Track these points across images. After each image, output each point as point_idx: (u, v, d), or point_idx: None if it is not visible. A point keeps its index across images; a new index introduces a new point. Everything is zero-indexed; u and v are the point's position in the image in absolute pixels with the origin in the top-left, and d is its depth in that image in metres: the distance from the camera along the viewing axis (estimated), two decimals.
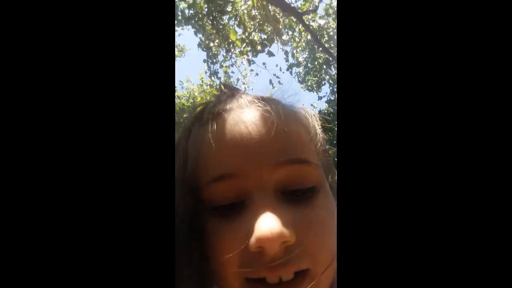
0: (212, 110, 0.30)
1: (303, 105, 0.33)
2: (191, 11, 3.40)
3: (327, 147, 0.32)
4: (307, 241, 0.24)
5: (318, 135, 0.30)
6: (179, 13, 3.42)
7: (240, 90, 0.35)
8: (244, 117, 0.27)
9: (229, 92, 0.33)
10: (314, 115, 0.32)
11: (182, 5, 3.32)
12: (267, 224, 0.23)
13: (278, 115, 0.27)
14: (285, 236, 0.23)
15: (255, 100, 0.30)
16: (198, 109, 0.32)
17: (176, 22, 3.59)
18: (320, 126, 0.31)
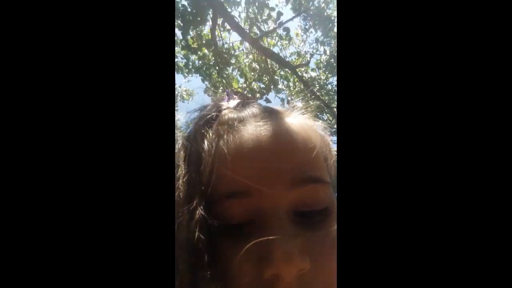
0: (226, 120, 0.28)
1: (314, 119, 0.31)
2: (200, 62, 3.90)
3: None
4: (321, 267, 0.24)
5: (331, 151, 0.29)
6: (190, 63, 3.92)
7: (253, 99, 0.34)
8: (260, 131, 0.26)
9: (241, 100, 0.32)
10: (325, 128, 0.31)
11: (193, 57, 3.82)
12: (284, 251, 0.22)
13: (294, 130, 0.27)
14: (302, 264, 0.22)
15: (270, 112, 0.29)
16: (207, 110, 0.31)
17: (187, 70, 4.08)
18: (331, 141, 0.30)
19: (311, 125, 0.30)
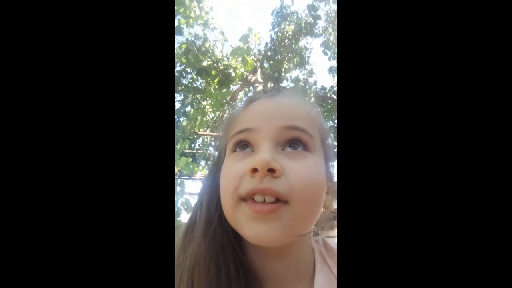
0: (250, 99, 0.45)
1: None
2: None
3: (327, 127, 0.44)
4: (291, 175, 0.34)
5: (318, 117, 0.42)
6: None
7: (270, 91, 0.58)
8: (266, 99, 0.42)
9: (264, 91, 0.61)
10: (316, 104, 0.46)
11: None
12: (263, 155, 0.34)
13: (288, 99, 0.42)
14: (272, 164, 0.33)
15: (275, 92, 0.45)
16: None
17: None
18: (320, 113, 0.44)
19: (301, 100, 0.44)
